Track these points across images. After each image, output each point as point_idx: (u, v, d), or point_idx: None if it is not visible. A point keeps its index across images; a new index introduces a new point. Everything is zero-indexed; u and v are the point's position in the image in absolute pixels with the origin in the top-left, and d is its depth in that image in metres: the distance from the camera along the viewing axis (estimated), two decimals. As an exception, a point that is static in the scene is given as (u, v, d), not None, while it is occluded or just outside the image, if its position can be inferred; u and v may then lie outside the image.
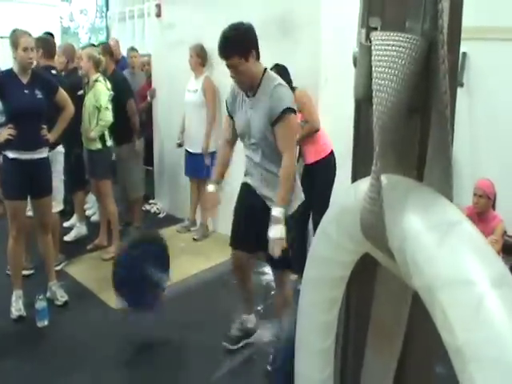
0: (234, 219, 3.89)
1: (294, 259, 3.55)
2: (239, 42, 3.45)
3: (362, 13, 0.81)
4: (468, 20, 3.67)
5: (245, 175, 3.79)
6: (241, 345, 4.06)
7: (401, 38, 0.75)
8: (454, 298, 0.60)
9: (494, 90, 5.41)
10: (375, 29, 0.81)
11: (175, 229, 6.64)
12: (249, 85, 3.53)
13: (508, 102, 5.29)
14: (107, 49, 6.40)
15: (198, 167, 6.15)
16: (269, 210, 3.44)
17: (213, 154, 5.93)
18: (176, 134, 6.68)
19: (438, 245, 0.64)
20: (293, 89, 4.89)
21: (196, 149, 6.10)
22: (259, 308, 4.42)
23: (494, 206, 4.89)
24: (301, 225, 4.05)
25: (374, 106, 0.71)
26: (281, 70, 4.82)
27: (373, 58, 0.74)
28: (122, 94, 6.04)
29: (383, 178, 0.76)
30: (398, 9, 0.80)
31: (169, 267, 4.18)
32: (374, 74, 0.72)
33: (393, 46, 0.74)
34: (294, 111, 3.42)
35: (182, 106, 6.41)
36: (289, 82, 4.83)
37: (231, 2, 5.92)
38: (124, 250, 4.22)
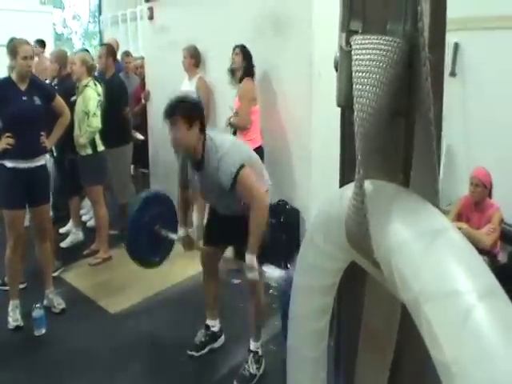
0: (206, 222, 4.05)
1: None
2: (187, 109, 3.55)
3: (343, 16, 0.79)
4: (459, 10, 3.64)
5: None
6: (206, 350, 4.07)
7: (381, 41, 0.73)
8: (440, 311, 0.58)
9: (487, 79, 5.40)
10: (356, 32, 0.79)
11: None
12: (186, 151, 3.62)
13: (501, 90, 5.28)
14: (110, 50, 6.31)
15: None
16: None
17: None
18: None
19: (423, 255, 0.62)
20: (252, 75, 5.44)
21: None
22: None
23: (490, 195, 4.89)
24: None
25: (356, 113, 0.69)
26: (246, 53, 5.39)
27: (353, 62, 0.72)
28: (117, 98, 6.02)
29: (368, 184, 0.74)
30: (380, 11, 0.78)
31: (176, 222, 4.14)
32: (355, 80, 0.70)
33: (373, 49, 0.72)
34: (242, 166, 3.44)
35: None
36: (252, 66, 5.47)
37: (222, 2, 5.91)
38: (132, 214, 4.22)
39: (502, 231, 4.83)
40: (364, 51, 0.73)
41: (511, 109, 5.19)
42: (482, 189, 4.78)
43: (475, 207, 4.87)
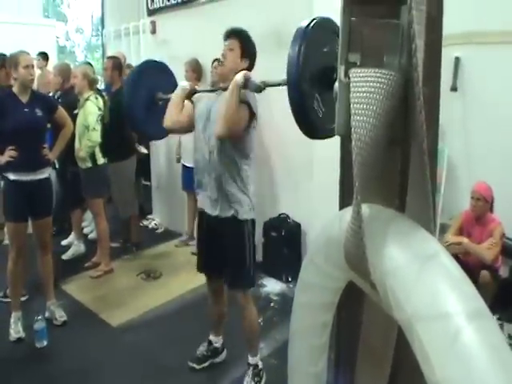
0: (197, 245, 3.98)
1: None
2: (249, 41, 3.62)
3: (341, 49, 0.83)
4: (460, 25, 3.70)
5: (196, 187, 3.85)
6: (207, 364, 4.09)
7: (378, 74, 0.77)
8: (430, 332, 0.62)
9: (488, 93, 5.44)
10: (354, 64, 0.83)
11: (174, 244, 6.68)
12: (223, 75, 3.60)
13: (502, 104, 5.32)
14: (116, 63, 6.29)
15: (195, 181, 6.17)
16: (226, 228, 3.57)
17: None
18: (173, 149, 6.72)
19: (416, 279, 0.66)
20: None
21: (192, 163, 6.10)
22: (259, 320, 4.43)
23: (491, 209, 4.92)
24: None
25: (353, 142, 0.73)
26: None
27: (351, 94, 0.76)
28: (121, 112, 6.05)
29: (365, 209, 0.78)
30: (377, 44, 0.82)
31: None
32: (353, 111, 0.75)
33: (370, 82, 0.76)
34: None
35: (178, 120, 6.43)
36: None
37: (224, 17, 5.96)
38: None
39: (504, 245, 4.85)
40: (362, 84, 0.77)
41: (512, 123, 5.23)
42: (483, 203, 4.81)
43: (476, 222, 4.89)
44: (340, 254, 0.83)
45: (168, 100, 3.82)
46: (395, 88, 0.77)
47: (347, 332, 1.09)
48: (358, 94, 0.76)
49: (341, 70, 0.83)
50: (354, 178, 0.72)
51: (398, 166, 0.86)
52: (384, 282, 0.71)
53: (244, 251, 3.60)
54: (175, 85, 3.91)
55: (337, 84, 0.84)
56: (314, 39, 2.76)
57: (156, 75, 4.13)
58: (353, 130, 0.73)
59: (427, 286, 0.64)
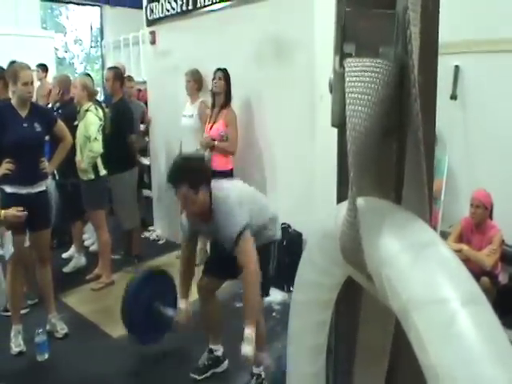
0: (208, 256, 4.21)
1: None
2: (191, 174, 3.59)
3: (336, 39, 0.82)
4: (459, 34, 3.75)
5: None
6: (208, 374, 4.07)
7: (373, 64, 0.76)
8: (426, 317, 0.61)
9: (488, 101, 5.47)
10: (349, 55, 0.82)
11: (175, 255, 6.64)
12: (199, 215, 3.66)
13: (501, 112, 5.34)
14: (118, 74, 6.33)
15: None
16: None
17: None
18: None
19: (411, 266, 0.65)
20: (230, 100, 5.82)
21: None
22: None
23: (491, 216, 4.93)
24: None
25: (348, 132, 0.72)
26: (227, 78, 5.80)
27: (346, 84, 0.75)
28: (122, 124, 6.06)
29: (361, 201, 0.77)
30: (372, 34, 0.81)
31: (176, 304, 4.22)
32: (348, 101, 0.73)
33: (365, 71, 0.75)
34: (244, 229, 3.51)
35: (179, 131, 6.46)
36: (230, 91, 5.90)
37: (224, 27, 5.99)
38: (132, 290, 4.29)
39: (503, 252, 4.87)
40: (356, 73, 0.76)
41: (512, 131, 5.24)
42: (483, 210, 4.83)
43: (476, 229, 4.91)
44: (336, 249, 0.82)
45: (167, 318, 4.19)
46: (390, 77, 0.76)
47: (345, 328, 1.08)
48: (352, 84, 0.75)
49: (336, 60, 0.82)
50: (349, 168, 0.71)
51: (393, 157, 0.85)
52: (380, 271, 0.70)
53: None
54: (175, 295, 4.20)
55: (332, 75, 0.83)
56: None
57: (157, 286, 4.38)
58: (348, 119, 0.72)
59: (423, 272, 0.64)
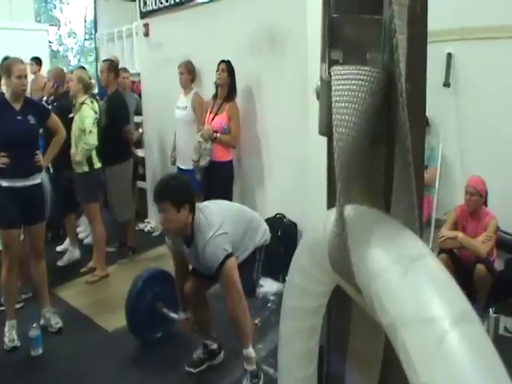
0: None
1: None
2: (177, 191, 3.61)
3: (323, 47, 0.81)
4: (451, 21, 3.76)
5: None
6: (204, 367, 4.08)
7: (360, 71, 0.75)
8: (415, 336, 0.60)
9: (480, 88, 5.47)
10: (337, 62, 0.81)
11: (169, 247, 6.63)
12: (175, 233, 3.70)
13: (494, 99, 5.35)
14: (112, 66, 6.32)
15: (190, 183, 6.20)
16: None
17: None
18: (168, 151, 6.72)
19: (400, 282, 0.64)
20: (235, 93, 5.83)
21: (187, 165, 6.07)
22: (256, 321, 4.41)
23: (485, 203, 4.95)
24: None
25: (335, 142, 0.71)
26: (231, 70, 5.79)
27: (332, 92, 0.74)
28: (117, 116, 6.04)
29: (349, 210, 0.76)
30: (359, 41, 0.80)
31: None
32: (334, 110, 0.72)
33: (352, 79, 0.74)
34: (228, 256, 3.56)
35: (173, 123, 6.44)
36: (235, 83, 5.83)
37: (217, 18, 5.96)
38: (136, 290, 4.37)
39: (498, 239, 4.89)
40: (343, 81, 0.74)
41: (505, 118, 5.26)
42: (478, 197, 4.85)
43: (471, 216, 4.93)
44: (325, 257, 0.81)
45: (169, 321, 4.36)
46: (378, 85, 0.74)
47: (336, 334, 1.07)
48: (339, 92, 0.74)
49: (322, 68, 0.81)
50: (336, 179, 0.70)
51: (382, 166, 0.84)
52: (368, 285, 0.69)
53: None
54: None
55: (319, 83, 0.82)
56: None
57: (159, 285, 4.46)
58: (334, 129, 0.71)
59: (412, 289, 0.63)
